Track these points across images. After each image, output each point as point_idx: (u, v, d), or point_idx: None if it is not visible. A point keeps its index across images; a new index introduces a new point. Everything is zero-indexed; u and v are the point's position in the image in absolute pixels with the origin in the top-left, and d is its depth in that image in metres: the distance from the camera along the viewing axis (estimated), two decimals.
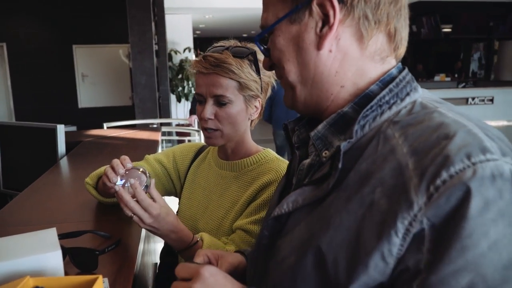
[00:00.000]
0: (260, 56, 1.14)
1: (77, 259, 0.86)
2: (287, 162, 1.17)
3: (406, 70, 0.66)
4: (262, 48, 0.69)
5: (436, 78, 11.76)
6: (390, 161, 0.53)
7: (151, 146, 2.37)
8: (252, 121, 1.21)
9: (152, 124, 4.96)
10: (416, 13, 10.55)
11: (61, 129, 2.04)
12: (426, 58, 12.73)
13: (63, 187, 1.60)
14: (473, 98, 9.76)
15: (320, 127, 0.65)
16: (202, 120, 1.12)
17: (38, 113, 7.64)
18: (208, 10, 9.18)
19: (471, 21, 11.24)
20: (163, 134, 4.97)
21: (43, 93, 7.73)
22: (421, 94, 0.63)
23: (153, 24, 5.95)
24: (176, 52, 8.64)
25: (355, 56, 0.63)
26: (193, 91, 8.56)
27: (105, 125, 4.22)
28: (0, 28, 7.48)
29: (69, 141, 2.46)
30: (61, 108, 7.84)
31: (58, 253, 0.73)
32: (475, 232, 0.45)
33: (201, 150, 1.37)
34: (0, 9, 7.39)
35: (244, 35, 15.41)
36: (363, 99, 0.63)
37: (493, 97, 8.69)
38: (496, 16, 11.10)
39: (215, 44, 1.16)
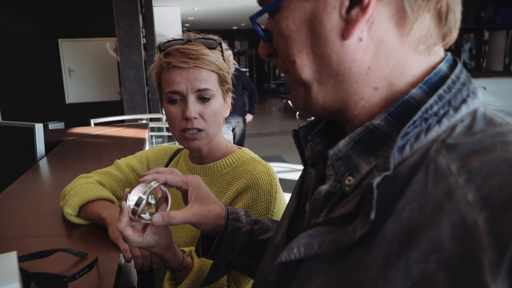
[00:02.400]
0: (225, 46, 1.06)
1: (44, 287, 0.74)
2: (265, 163, 1.06)
3: (460, 65, 0.48)
4: (260, 30, 0.53)
5: None
6: (449, 213, 0.36)
7: (138, 144, 2.24)
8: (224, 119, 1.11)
9: (141, 119, 4.83)
10: None
11: (39, 128, 1.91)
12: None
13: (38, 193, 1.47)
14: None
15: (341, 144, 0.48)
16: (187, 121, 1.00)
17: (24, 110, 7.45)
18: (196, 2, 9.01)
19: (462, 11, 11.22)
20: (153, 129, 4.84)
21: (29, 88, 7.54)
22: (483, 101, 0.45)
23: (140, 16, 5.81)
24: None
25: (394, 46, 0.46)
26: None
27: (92, 121, 4.09)
28: None
29: (53, 139, 2.34)
30: (48, 104, 7.66)
31: (15, 286, 0.61)
32: None
33: (176, 153, 1.25)
34: None
35: (234, 27, 15.21)
36: (401, 108, 0.46)
37: (485, 87, 8.65)
38: (486, 6, 11.07)
39: (172, 38, 1.04)
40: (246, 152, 1.12)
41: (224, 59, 1.03)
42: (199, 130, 1.02)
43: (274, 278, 0.53)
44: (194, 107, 0.99)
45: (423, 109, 0.43)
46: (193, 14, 11.10)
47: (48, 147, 2.02)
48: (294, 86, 0.53)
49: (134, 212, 0.75)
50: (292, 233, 0.58)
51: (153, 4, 8.03)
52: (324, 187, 0.51)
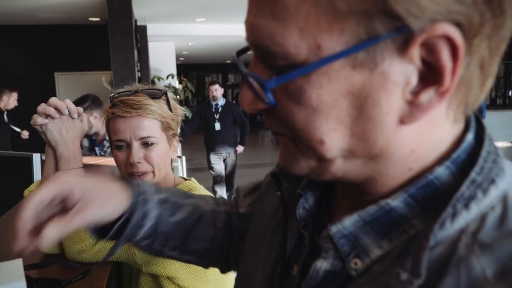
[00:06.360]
0: (171, 94, 1.13)
1: None
2: (203, 191, 1.10)
3: (487, 134, 0.41)
4: (254, 83, 0.39)
5: None
6: None
7: None
8: (171, 160, 1.18)
9: None
10: None
11: (37, 158, 2.03)
12: None
13: None
14: None
15: (348, 222, 0.41)
16: (131, 166, 1.07)
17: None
18: (191, 37, 9.30)
19: None
20: None
21: (25, 121, 7.65)
22: (510, 178, 0.38)
23: (135, 51, 6.00)
24: (159, 78, 8.69)
25: (439, 121, 0.38)
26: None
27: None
28: None
29: None
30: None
31: (22, 284, 0.73)
32: None
33: None
34: None
35: (228, 61, 15.60)
36: (424, 190, 0.39)
37: None
38: None
39: (120, 90, 1.12)
40: (188, 184, 1.17)
41: (170, 108, 1.12)
42: (145, 173, 1.08)
43: None
44: (138, 153, 1.06)
45: (455, 198, 0.36)
46: (187, 48, 11.41)
47: None
48: (296, 153, 0.41)
49: None
50: None
51: (148, 39, 8.30)
52: (323, 265, 0.43)
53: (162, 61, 9.33)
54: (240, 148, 5.34)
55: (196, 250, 0.73)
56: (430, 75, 0.34)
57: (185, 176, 1.32)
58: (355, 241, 0.41)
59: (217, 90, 4.98)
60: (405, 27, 0.32)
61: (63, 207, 0.56)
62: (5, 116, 5.36)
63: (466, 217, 0.36)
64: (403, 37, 0.33)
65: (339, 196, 0.49)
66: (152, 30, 8.23)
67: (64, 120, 1.06)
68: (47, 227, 0.51)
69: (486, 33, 0.33)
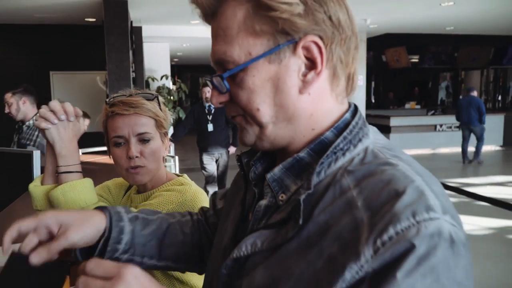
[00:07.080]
0: (161, 99, 1.24)
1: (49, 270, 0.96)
2: (197, 189, 1.22)
3: (359, 113, 0.66)
4: (217, 83, 0.64)
5: (407, 105, 12.24)
6: (347, 215, 0.55)
7: None
8: (163, 157, 1.27)
9: None
10: (385, 45, 11.02)
11: (37, 155, 2.12)
12: (397, 86, 13.21)
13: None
14: (441, 125, 10.16)
15: (276, 170, 0.64)
16: (129, 160, 1.16)
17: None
18: (185, 39, 9.37)
19: (437, 52, 11.80)
20: None
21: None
22: (372, 140, 0.64)
23: (130, 52, 6.06)
24: (153, 79, 8.76)
25: (327, 98, 0.64)
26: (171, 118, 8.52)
27: (80, 151, 4.26)
28: None
29: (43, 166, 2.53)
30: None
31: None
32: (403, 282, 0.49)
33: (130, 186, 1.39)
34: None
35: None
36: (319, 145, 0.63)
37: (460, 124, 9.04)
38: (460, 47, 11.66)
39: (115, 94, 1.22)
40: (180, 179, 1.27)
41: (161, 109, 1.23)
42: (141, 166, 1.17)
43: (227, 271, 0.66)
44: (135, 147, 1.16)
45: (333, 146, 0.61)
46: (182, 50, 11.49)
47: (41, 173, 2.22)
48: (246, 126, 0.65)
49: None
50: (238, 237, 0.70)
51: (143, 40, 8.38)
52: (263, 202, 0.66)
53: (157, 62, 9.39)
54: (232, 149, 5.41)
55: (170, 256, 0.87)
56: (311, 64, 0.60)
57: None
58: (282, 183, 0.64)
59: (210, 92, 5.05)
60: (293, 38, 0.59)
61: (51, 236, 0.71)
62: None
63: (343, 160, 0.61)
64: (293, 44, 0.59)
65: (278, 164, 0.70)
66: (147, 31, 8.30)
67: (64, 120, 1.10)
68: (35, 252, 0.67)
69: (338, 42, 0.61)
